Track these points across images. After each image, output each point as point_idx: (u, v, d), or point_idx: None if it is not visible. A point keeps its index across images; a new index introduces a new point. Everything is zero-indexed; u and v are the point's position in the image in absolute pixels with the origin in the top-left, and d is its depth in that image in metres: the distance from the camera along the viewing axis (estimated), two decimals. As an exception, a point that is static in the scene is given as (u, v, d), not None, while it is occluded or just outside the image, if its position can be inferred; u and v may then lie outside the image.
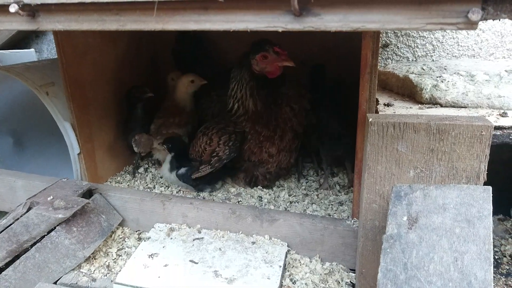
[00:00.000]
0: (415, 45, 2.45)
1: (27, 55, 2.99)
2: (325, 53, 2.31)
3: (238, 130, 1.93)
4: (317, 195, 2.03)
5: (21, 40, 3.26)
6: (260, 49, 1.78)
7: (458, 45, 2.39)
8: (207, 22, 0.80)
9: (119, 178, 2.26)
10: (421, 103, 1.74)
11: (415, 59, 2.47)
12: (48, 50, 3.26)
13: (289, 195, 2.03)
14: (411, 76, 1.85)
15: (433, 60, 2.34)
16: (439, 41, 2.40)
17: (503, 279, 1.60)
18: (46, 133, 2.44)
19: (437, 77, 1.78)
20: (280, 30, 0.77)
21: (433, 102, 1.70)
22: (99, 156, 2.12)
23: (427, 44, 2.43)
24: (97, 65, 2.05)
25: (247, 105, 1.86)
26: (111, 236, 1.79)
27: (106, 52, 2.12)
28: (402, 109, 1.72)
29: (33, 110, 2.36)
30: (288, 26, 0.76)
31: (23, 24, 1.02)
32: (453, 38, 2.38)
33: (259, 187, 2.09)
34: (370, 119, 1.35)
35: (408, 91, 1.87)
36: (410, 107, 1.72)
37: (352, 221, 1.63)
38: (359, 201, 1.64)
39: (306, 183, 2.16)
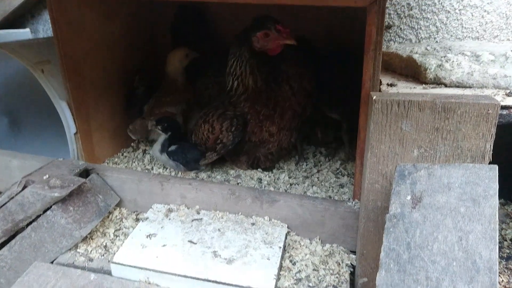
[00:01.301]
0: (418, 26, 2.40)
1: (23, 35, 2.92)
2: (329, 33, 2.26)
3: (238, 113, 1.89)
4: (317, 177, 2.00)
5: (16, 20, 3.19)
6: (262, 26, 1.73)
7: (462, 27, 2.34)
8: (208, -14, 0.76)
9: (116, 159, 2.23)
10: (425, 83, 1.70)
11: (418, 41, 2.43)
12: (44, 30, 3.19)
13: (289, 177, 2.00)
14: (415, 56, 1.80)
15: (436, 42, 2.30)
16: (443, 22, 2.36)
17: (504, 263, 1.59)
18: (42, 114, 2.40)
19: (441, 57, 1.73)
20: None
21: (438, 82, 1.66)
22: (96, 137, 2.09)
23: (430, 25, 2.38)
24: (93, 42, 2.00)
25: (247, 82, 1.81)
26: (108, 216, 1.76)
27: (102, 29, 2.07)
28: (405, 89, 1.68)
29: (29, 90, 2.32)
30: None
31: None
32: (457, 19, 2.33)
33: (259, 169, 2.06)
34: (374, 97, 1.32)
35: (411, 71, 1.83)
36: (414, 87, 1.68)
37: (354, 203, 1.61)
38: (361, 182, 1.61)
39: (306, 165, 2.14)
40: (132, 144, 2.42)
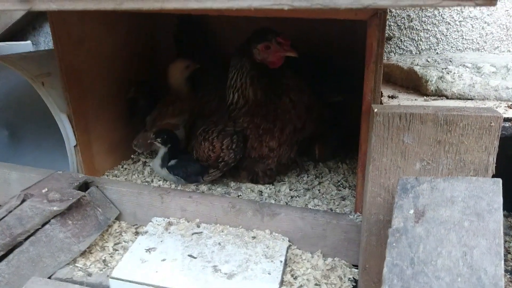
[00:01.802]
0: (419, 38, 2.40)
1: (24, 47, 2.93)
2: (327, 45, 2.26)
3: (238, 129, 1.88)
4: (318, 189, 1.98)
5: (18, 32, 3.20)
6: (263, 38, 1.73)
7: (463, 38, 2.34)
8: (208, 0, 0.75)
9: (116, 171, 2.21)
10: (426, 95, 1.70)
11: (418, 52, 2.43)
12: (45, 42, 3.20)
13: (290, 190, 1.98)
14: (416, 68, 1.80)
15: (437, 53, 2.30)
16: (443, 34, 2.36)
17: (508, 276, 1.57)
18: (42, 126, 2.39)
19: (442, 68, 1.73)
20: (286, 8, 0.72)
21: (439, 94, 1.65)
22: (96, 149, 2.08)
23: (431, 37, 2.38)
24: (94, 54, 2.00)
25: (247, 94, 1.81)
26: (107, 230, 1.75)
27: (104, 40, 2.07)
28: (407, 101, 1.67)
29: (29, 102, 2.31)
30: (295, 4, 0.71)
31: (15, 4, 0.97)
32: (458, 31, 2.34)
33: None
34: (376, 110, 1.31)
35: (412, 83, 1.83)
36: (415, 99, 1.67)
37: (355, 216, 1.59)
38: (363, 195, 1.60)
39: (308, 177, 2.12)
40: (132, 156, 2.41)
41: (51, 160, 2.25)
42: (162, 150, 2.02)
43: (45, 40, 3.20)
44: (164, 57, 2.50)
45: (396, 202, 1.21)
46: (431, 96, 1.68)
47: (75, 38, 1.88)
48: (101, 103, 2.09)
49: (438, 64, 1.85)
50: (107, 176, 2.16)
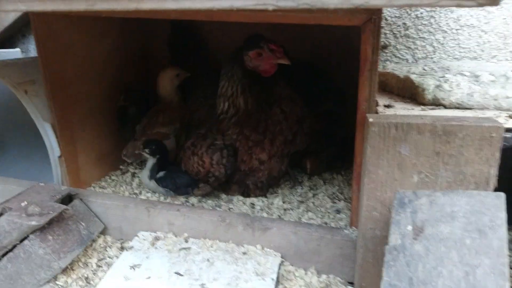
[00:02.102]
0: (415, 46, 2.35)
1: (13, 54, 2.86)
2: (320, 52, 2.21)
3: (228, 143, 1.81)
4: (313, 202, 1.91)
5: (6, 40, 3.14)
6: (254, 45, 1.67)
7: (459, 46, 2.30)
8: (187, 0, 0.69)
9: (103, 183, 2.14)
10: (424, 104, 1.64)
11: (415, 61, 2.38)
12: (35, 50, 3.13)
13: (283, 202, 1.91)
14: (413, 77, 1.75)
15: (434, 62, 2.25)
16: (439, 42, 2.32)
17: (511, 293, 1.49)
18: (30, 135, 2.31)
19: (439, 77, 1.68)
20: (270, 8, 0.66)
21: (436, 104, 1.60)
22: (81, 160, 2.00)
23: (427, 45, 2.34)
24: (82, 61, 1.94)
25: (238, 103, 1.75)
26: (91, 245, 1.66)
27: (93, 47, 2.01)
28: (403, 110, 1.61)
29: (15, 111, 2.23)
30: (279, 4, 0.65)
31: (-17, 6, 0.91)
32: (454, 39, 2.29)
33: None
34: (371, 120, 1.25)
35: (409, 92, 1.77)
36: (412, 109, 1.61)
37: (351, 230, 1.52)
38: (358, 208, 1.53)
39: (302, 189, 2.05)
40: (121, 166, 2.34)
41: (40, 171, 2.17)
42: (151, 161, 1.95)
43: (34, 47, 3.13)
44: (156, 65, 2.44)
45: (393, 217, 1.15)
46: (428, 105, 1.62)
47: (62, 45, 1.81)
48: (89, 112, 2.03)
49: (435, 72, 1.80)
50: (94, 188, 2.08)
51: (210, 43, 2.47)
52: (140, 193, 2.04)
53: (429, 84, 1.63)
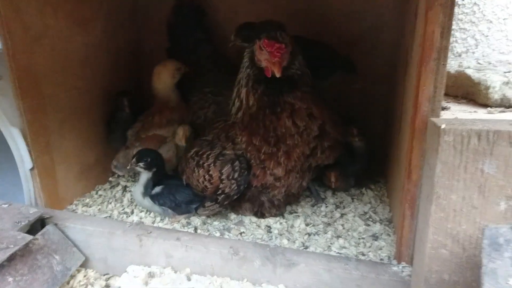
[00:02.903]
0: (454, 39, 2.02)
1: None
2: (347, 46, 1.87)
3: (239, 152, 1.47)
4: (342, 224, 1.57)
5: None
6: (260, 34, 1.34)
7: (507, 39, 1.96)
8: None
9: (88, 200, 1.78)
10: (487, 105, 1.31)
11: (453, 56, 2.05)
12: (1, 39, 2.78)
13: (306, 225, 1.57)
14: (469, 72, 1.42)
15: (476, 58, 1.91)
16: (483, 34, 1.98)
17: None
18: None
19: (504, 72, 1.35)
20: None
21: (506, 105, 1.27)
22: (61, 172, 1.66)
23: (468, 38, 2.00)
24: (58, 54, 1.59)
25: (242, 96, 1.43)
26: (68, 282, 1.32)
27: (73, 39, 1.67)
28: (463, 113, 1.28)
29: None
30: None
31: None
32: (501, 30, 1.96)
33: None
34: (443, 126, 0.92)
35: (464, 90, 1.44)
36: (474, 111, 1.28)
37: (401, 267, 1.19)
38: (410, 239, 1.19)
39: (326, 207, 1.71)
40: (110, 179, 1.99)
41: (6, 188, 1.79)
42: (145, 176, 1.61)
43: None
44: (150, 62, 2.10)
45: (485, 265, 0.81)
46: (494, 106, 1.29)
47: (33, 34, 1.47)
48: (69, 115, 1.68)
49: (494, 66, 1.47)
50: (76, 206, 1.73)
51: (216, 24, 2.09)
52: (132, 212, 1.69)
53: (493, 81, 1.30)
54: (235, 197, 1.47)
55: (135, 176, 1.96)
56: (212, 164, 1.46)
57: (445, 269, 1.00)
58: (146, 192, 1.60)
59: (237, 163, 1.44)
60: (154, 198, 1.59)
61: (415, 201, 1.14)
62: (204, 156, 1.50)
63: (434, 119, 1.01)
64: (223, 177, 1.44)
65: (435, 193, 0.96)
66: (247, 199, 1.58)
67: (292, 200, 1.69)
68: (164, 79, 1.88)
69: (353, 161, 1.74)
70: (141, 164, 1.56)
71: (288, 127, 1.42)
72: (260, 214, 1.62)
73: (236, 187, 1.44)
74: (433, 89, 1.03)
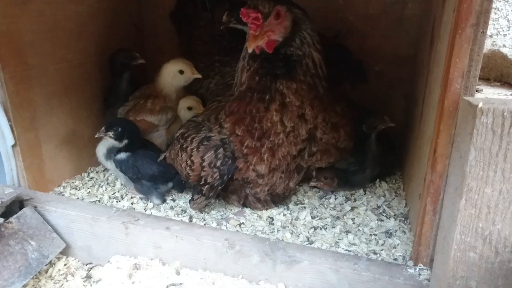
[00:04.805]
0: (484, 20, 1.83)
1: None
2: (365, 23, 1.71)
3: (224, 137, 1.32)
4: (352, 218, 1.42)
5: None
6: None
7: (544, 21, 1.77)
8: None
9: (77, 182, 1.66)
10: (525, 89, 1.14)
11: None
12: None
13: (312, 218, 1.42)
14: (505, 51, 1.24)
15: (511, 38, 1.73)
16: (517, 15, 1.79)
17: None
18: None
19: (546, 52, 1.17)
20: None
21: (549, 88, 1.10)
22: (48, 152, 1.53)
23: (500, 19, 1.82)
24: (46, 21, 1.45)
25: (238, 72, 1.31)
26: (47, 271, 1.20)
27: (64, 5, 1.53)
28: (497, 96, 1.12)
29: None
30: None
31: None
32: (537, 11, 1.77)
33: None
34: (480, 105, 0.76)
35: (498, 72, 1.27)
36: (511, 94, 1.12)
37: (418, 270, 1.04)
38: (431, 238, 1.04)
39: (335, 199, 1.56)
40: (104, 160, 1.86)
41: None
42: (109, 141, 1.49)
43: None
44: (152, 37, 1.95)
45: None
46: (534, 90, 1.12)
47: (18, -4, 1.34)
48: (59, 91, 1.55)
49: (533, 46, 1.29)
50: (64, 188, 1.60)
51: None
52: (122, 197, 1.56)
53: (534, 61, 1.13)
54: (219, 187, 1.33)
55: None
56: (195, 149, 1.32)
57: (473, 275, 0.85)
58: (109, 155, 1.49)
59: (221, 150, 1.29)
60: (117, 163, 1.47)
61: (439, 194, 0.99)
62: (189, 139, 1.36)
63: (468, 98, 0.85)
64: (205, 164, 1.30)
65: (466, 185, 0.81)
66: (231, 190, 1.44)
67: (277, 201, 1.52)
68: (173, 82, 1.69)
69: (362, 167, 1.57)
70: (110, 133, 1.42)
71: (274, 122, 1.27)
72: (247, 206, 1.48)
73: (218, 177, 1.29)
74: (468, 62, 0.86)
